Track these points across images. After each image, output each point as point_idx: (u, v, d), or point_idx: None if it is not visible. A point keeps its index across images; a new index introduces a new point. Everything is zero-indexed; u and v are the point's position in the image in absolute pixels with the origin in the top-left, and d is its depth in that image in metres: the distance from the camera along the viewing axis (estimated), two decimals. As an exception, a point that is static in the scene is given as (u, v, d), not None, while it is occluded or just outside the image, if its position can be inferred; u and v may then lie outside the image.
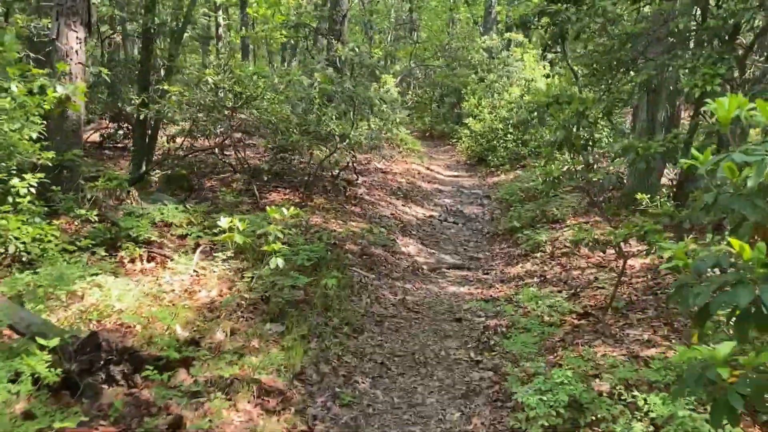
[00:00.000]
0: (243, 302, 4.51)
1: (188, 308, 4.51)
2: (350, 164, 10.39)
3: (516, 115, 14.04)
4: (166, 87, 7.26)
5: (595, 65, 6.89)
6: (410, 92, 25.10)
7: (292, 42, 17.97)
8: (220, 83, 7.76)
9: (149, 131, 9.24)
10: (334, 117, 7.56)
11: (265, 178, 8.96)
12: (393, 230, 8.01)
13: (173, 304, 4.57)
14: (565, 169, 7.81)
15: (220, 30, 16.41)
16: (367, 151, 13.00)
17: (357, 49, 7.36)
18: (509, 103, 15.29)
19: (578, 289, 5.60)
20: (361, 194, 9.44)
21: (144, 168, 8.37)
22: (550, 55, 16.70)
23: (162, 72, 8.89)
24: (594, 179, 5.70)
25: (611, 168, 10.13)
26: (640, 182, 7.86)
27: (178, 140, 9.87)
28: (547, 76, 16.64)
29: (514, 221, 8.32)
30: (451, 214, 9.91)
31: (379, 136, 9.80)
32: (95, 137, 12.84)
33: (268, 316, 4.46)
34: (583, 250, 6.65)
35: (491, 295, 5.98)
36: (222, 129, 8.53)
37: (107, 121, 12.86)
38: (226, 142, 8.29)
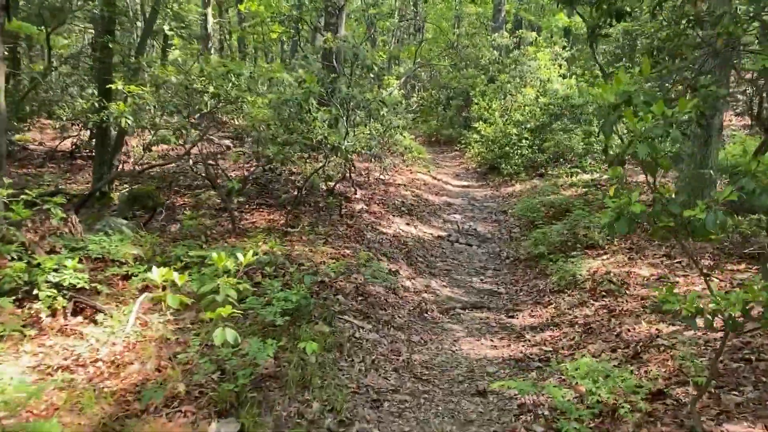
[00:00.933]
0: (181, 388, 3.20)
1: (108, 394, 3.22)
2: (347, 176, 9.11)
3: (534, 118, 12.71)
4: (120, 86, 5.99)
5: (655, 51, 5.54)
6: (415, 95, 23.82)
7: (294, 40, 16.71)
8: (191, 84, 6.50)
9: (115, 139, 7.99)
10: (325, 123, 6.28)
11: (242, 198, 7.68)
12: (395, 258, 6.70)
13: (90, 386, 3.29)
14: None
15: (209, 27, 15.20)
16: (368, 160, 11.72)
17: (351, 39, 6.06)
18: (523, 105, 13.98)
19: (638, 348, 4.27)
20: (359, 211, 8.14)
21: (103, 183, 7.10)
22: (566, 54, 15.39)
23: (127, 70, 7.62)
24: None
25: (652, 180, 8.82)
26: (691, 199, 6.53)
27: (164, 148, 8.65)
28: (564, 77, 15.37)
29: (540, 245, 6.99)
30: (463, 234, 8.59)
31: (379, 144, 8.51)
32: (66, 145, 11.65)
33: (216, 407, 3.16)
34: (636, 287, 5.32)
35: (522, 352, 4.65)
36: (198, 135, 7.27)
37: (80, 127, 11.66)
38: (199, 151, 7.00)
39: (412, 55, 22.08)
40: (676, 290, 4.82)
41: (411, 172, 12.58)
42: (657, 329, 4.49)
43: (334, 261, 5.82)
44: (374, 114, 6.18)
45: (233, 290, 3.11)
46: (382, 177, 11.18)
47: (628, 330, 4.59)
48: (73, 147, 11.40)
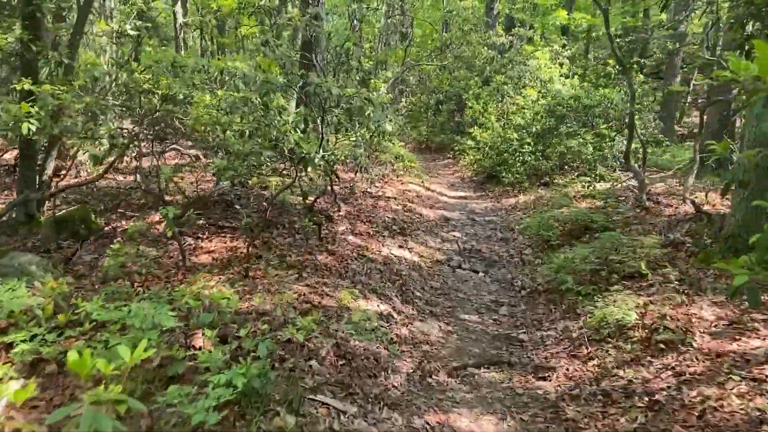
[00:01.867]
0: None
1: None
2: (329, 189, 7.79)
3: (538, 122, 11.47)
4: (27, 86, 4.62)
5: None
6: (404, 99, 22.60)
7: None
8: (134, 81, 5.17)
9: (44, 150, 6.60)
10: (292, 125, 4.95)
11: (201, 220, 6.32)
12: (387, 294, 5.37)
13: None
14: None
15: (179, 26, 13.84)
16: (353, 170, 10.42)
17: (323, 17, 4.75)
18: (523, 108, 12.77)
19: (739, 442, 2.98)
20: (342, 233, 6.81)
21: (13, 205, 5.70)
22: (566, 52, 14.27)
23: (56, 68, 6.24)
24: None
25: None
26: (753, 218, 5.30)
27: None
28: (567, 76, 14.23)
29: (563, 274, 5.71)
30: (465, 257, 7.29)
31: (366, 152, 7.22)
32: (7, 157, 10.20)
33: None
34: (703, 336, 4.05)
35: (567, 441, 3.34)
36: (127, 144, 5.92)
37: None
38: (139, 163, 5.64)
39: (400, 59, 20.88)
40: (759, 343, 3.51)
41: (402, 183, 11.29)
42: (758, 408, 3.20)
43: (307, 305, 4.48)
44: (358, 115, 4.91)
45: (107, 419, 1.75)
46: (370, 189, 9.87)
47: (714, 408, 3.30)
48: (16, 160, 9.97)
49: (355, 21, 19.06)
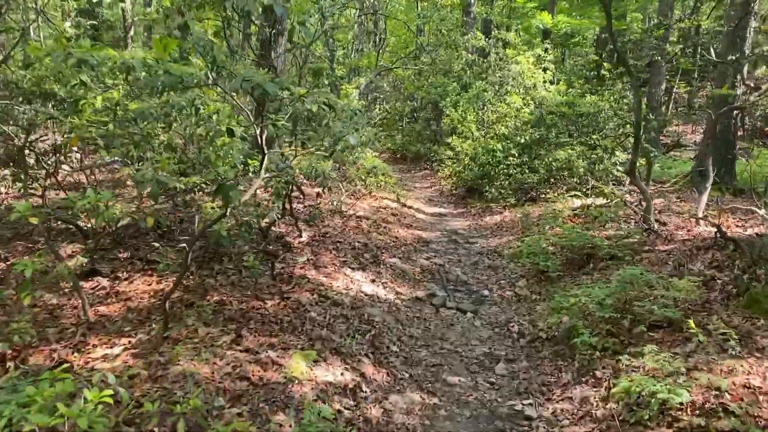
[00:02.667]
0: None
1: None
2: (288, 210, 6.59)
3: (525, 131, 10.50)
4: None
5: None
6: (377, 107, 21.55)
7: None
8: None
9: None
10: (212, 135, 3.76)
11: (123, 253, 5.06)
12: (355, 353, 4.19)
13: None
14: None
15: (128, 19, 12.50)
16: (323, 187, 9.25)
17: (284, 9, 3.59)
18: (506, 116, 11.79)
19: None
20: (302, 267, 5.61)
21: None
22: (549, 56, 13.40)
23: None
24: None
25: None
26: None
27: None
28: (552, 82, 13.34)
29: (573, 321, 4.63)
30: (450, 291, 6.17)
31: (327, 169, 6.10)
32: None
33: None
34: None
35: None
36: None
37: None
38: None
39: (372, 64, 19.83)
40: None
41: (376, 199, 10.15)
42: None
43: (243, 384, 3.28)
44: (312, 123, 3.78)
45: None
46: (338, 208, 8.70)
47: None
48: None
49: (326, 27, 17.90)
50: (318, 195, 8.63)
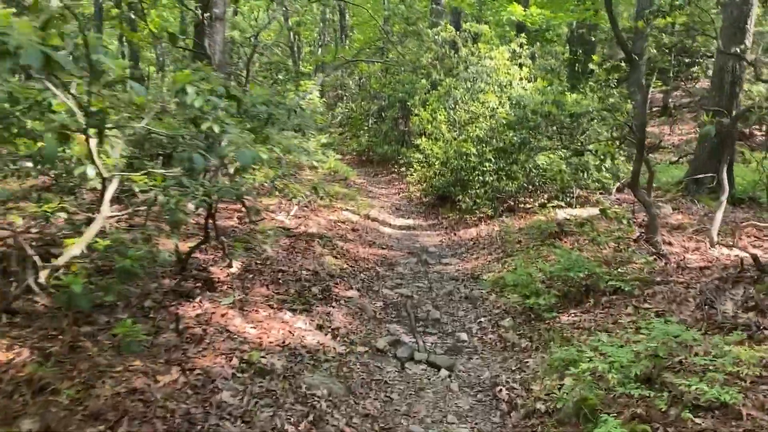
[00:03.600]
0: None
1: None
2: (214, 230, 5.21)
3: (503, 134, 9.34)
4: None
5: None
6: (341, 105, 20.20)
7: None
8: None
9: None
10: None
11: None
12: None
13: None
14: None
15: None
16: (270, 194, 7.88)
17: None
18: (480, 117, 10.62)
19: None
20: (223, 315, 4.24)
21: None
22: (526, 52, 12.33)
23: None
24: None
25: None
26: None
27: None
28: (529, 80, 12.25)
29: (586, 390, 3.41)
30: (419, 334, 4.91)
31: (245, 186, 4.81)
32: None
33: None
34: None
35: None
36: None
37: None
38: None
39: (332, 55, 18.45)
40: None
41: (334, 210, 8.83)
42: None
43: None
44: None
45: None
46: (287, 222, 7.36)
47: None
48: None
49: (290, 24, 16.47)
50: (248, 215, 7.26)
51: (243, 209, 7.42)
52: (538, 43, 13.98)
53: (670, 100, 21.43)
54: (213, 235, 5.19)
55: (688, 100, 21.58)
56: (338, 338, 4.53)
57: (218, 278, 4.98)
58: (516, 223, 8.44)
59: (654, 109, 22.53)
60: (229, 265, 5.23)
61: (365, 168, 16.50)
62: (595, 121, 9.37)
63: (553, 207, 8.57)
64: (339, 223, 8.21)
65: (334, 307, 5.09)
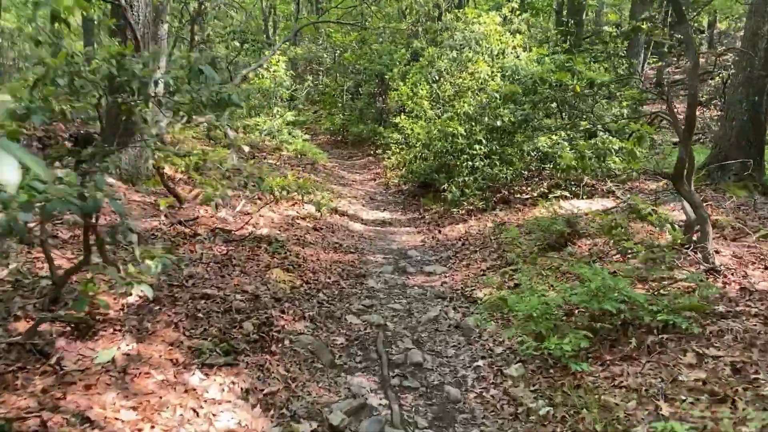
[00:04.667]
0: None
1: None
2: (99, 249, 3.64)
3: (503, 110, 7.86)
4: None
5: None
6: (311, 79, 18.42)
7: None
8: None
9: None
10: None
11: None
12: None
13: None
14: None
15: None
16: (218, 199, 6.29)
17: None
18: (469, 90, 9.10)
19: None
20: (90, 386, 2.73)
21: None
22: (518, 18, 10.83)
23: None
24: None
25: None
26: None
27: None
28: (525, 48, 10.72)
29: None
30: (394, 392, 3.46)
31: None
32: None
33: None
34: None
35: None
36: None
37: None
38: None
39: (312, 31, 16.65)
40: None
41: (293, 203, 7.29)
42: None
43: None
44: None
45: None
46: (228, 223, 5.83)
47: None
48: None
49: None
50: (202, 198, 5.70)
51: (178, 201, 5.86)
52: (527, 13, 12.51)
53: (663, 76, 20.23)
54: (98, 253, 3.63)
55: (681, 77, 20.44)
56: (272, 411, 3.05)
57: (103, 315, 3.45)
58: (512, 217, 7.02)
59: (648, 86, 21.33)
60: (126, 294, 3.69)
61: (339, 149, 14.92)
62: (599, 96, 7.96)
63: (556, 198, 7.18)
64: (298, 220, 6.68)
65: (273, 353, 3.60)
